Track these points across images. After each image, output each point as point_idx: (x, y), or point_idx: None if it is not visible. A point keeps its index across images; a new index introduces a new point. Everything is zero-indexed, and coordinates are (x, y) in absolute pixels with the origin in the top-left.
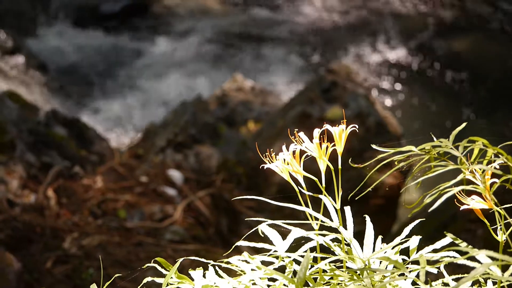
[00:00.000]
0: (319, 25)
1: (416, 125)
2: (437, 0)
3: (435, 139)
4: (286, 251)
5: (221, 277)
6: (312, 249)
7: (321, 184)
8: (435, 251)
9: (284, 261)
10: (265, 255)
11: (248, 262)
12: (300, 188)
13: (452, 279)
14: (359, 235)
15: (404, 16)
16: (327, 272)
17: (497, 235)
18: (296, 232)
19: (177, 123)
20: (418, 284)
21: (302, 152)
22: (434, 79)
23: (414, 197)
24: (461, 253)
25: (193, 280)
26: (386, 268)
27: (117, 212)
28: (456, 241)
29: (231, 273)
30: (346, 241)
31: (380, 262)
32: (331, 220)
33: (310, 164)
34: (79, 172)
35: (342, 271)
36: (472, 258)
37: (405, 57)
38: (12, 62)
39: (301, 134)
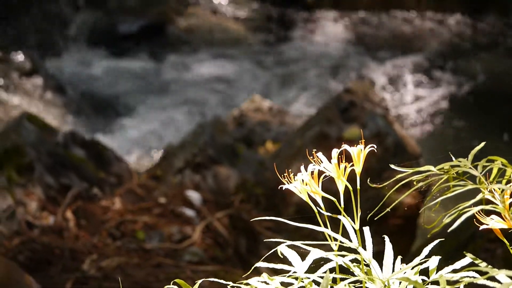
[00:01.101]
0: (334, 46)
1: (435, 145)
2: (452, 20)
3: (453, 158)
4: (305, 272)
5: None
6: (331, 270)
7: (340, 205)
8: (454, 271)
9: (303, 282)
10: (284, 276)
11: (267, 283)
12: (318, 208)
13: None
14: (378, 256)
15: (419, 37)
16: None
17: None
18: (315, 253)
19: (195, 144)
20: None
21: (320, 173)
22: (452, 99)
23: (433, 217)
24: (481, 273)
25: None
26: None
27: (135, 233)
28: (475, 261)
29: None
30: (366, 262)
31: (400, 282)
32: (350, 240)
33: (328, 185)
34: (97, 193)
35: None
36: (492, 278)
37: (423, 77)
38: (30, 83)
39: (319, 154)
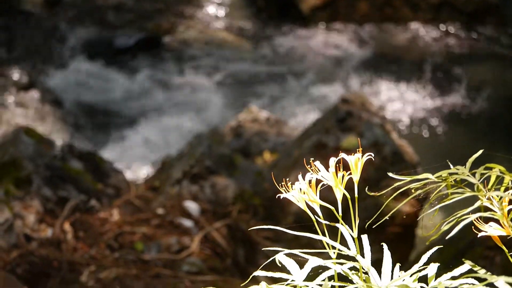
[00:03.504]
0: (331, 57)
1: (432, 154)
2: (449, 31)
3: (451, 166)
4: (304, 281)
5: None
6: (330, 278)
7: (338, 213)
8: (453, 278)
9: None
10: (283, 284)
11: None
12: (316, 217)
13: None
14: (377, 264)
15: (416, 48)
16: None
17: None
18: (314, 261)
19: (192, 155)
20: None
21: (318, 181)
22: (449, 108)
23: (432, 224)
24: (480, 280)
25: None
26: None
27: (134, 244)
28: (474, 268)
29: None
30: (364, 270)
31: None
32: (349, 248)
33: (326, 194)
34: (95, 205)
35: None
36: (491, 285)
37: (419, 86)
38: (27, 97)
39: (317, 163)
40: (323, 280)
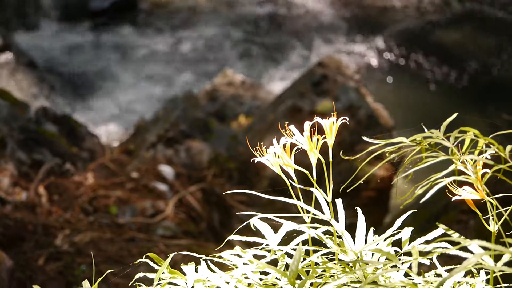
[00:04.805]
0: (306, 19)
1: (408, 117)
2: None
3: (426, 130)
4: (278, 245)
5: (213, 271)
6: (304, 242)
7: (312, 177)
8: (427, 242)
9: (276, 254)
10: (257, 249)
11: (240, 256)
12: (291, 181)
13: (445, 270)
14: (351, 228)
15: (393, 9)
16: (319, 265)
17: (489, 225)
18: (288, 226)
19: (167, 119)
20: (410, 276)
21: (292, 146)
22: (424, 72)
23: (406, 188)
24: (454, 243)
25: (185, 275)
26: (378, 260)
27: (108, 208)
28: (448, 232)
29: (223, 267)
30: (338, 234)
31: (373, 254)
32: (323, 213)
33: (301, 158)
34: (70, 169)
35: (335, 263)
36: (465, 249)
37: (394, 50)
38: (1, 59)
39: (292, 127)
40: (297, 244)
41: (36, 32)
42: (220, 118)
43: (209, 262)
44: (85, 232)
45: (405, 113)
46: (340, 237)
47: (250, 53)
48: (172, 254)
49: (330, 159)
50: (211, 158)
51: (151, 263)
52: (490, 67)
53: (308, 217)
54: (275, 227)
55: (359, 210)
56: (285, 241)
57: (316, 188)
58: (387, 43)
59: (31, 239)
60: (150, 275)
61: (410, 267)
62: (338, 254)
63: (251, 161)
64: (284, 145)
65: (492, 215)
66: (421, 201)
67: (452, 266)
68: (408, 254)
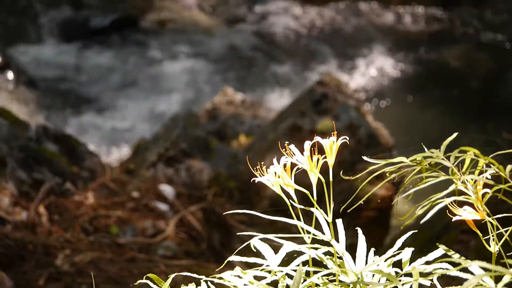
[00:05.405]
0: (307, 38)
1: (408, 137)
2: (423, 13)
3: (426, 150)
4: (279, 266)
5: None
6: (305, 263)
7: (313, 197)
8: (427, 263)
9: (276, 275)
10: (258, 269)
11: (241, 277)
12: (291, 201)
13: None
14: (352, 248)
15: (392, 29)
16: (320, 286)
17: (489, 246)
18: (288, 246)
19: (168, 138)
20: None
21: (293, 165)
22: (424, 90)
23: (406, 208)
24: (454, 264)
25: None
26: (379, 281)
27: (109, 228)
28: (448, 252)
29: None
30: (339, 254)
31: (373, 275)
32: (323, 233)
33: (301, 177)
34: (70, 188)
35: (335, 284)
36: (465, 270)
37: (395, 69)
38: (2, 78)
39: (292, 146)
40: (298, 265)
41: (36, 49)
42: (220, 137)
43: (209, 283)
44: (86, 252)
45: (405, 132)
46: (340, 257)
47: (250, 71)
48: (172, 275)
49: (331, 178)
50: (212, 178)
51: (151, 284)
52: (490, 85)
53: (309, 237)
54: (276, 248)
55: (359, 231)
56: (286, 261)
57: (316, 208)
58: (387, 61)
59: (31, 259)
60: None
61: None
62: (339, 275)
63: (251, 180)
64: (285, 165)
65: (493, 236)
66: (421, 222)
67: (453, 287)
68: (409, 275)
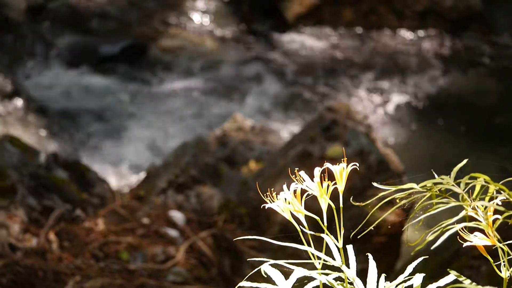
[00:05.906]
0: (315, 65)
1: (418, 163)
2: (432, 38)
3: (436, 176)
4: None
5: None
6: None
7: (323, 223)
8: None
9: None
10: None
11: None
12: (301, 227)
13: None
14: (362, 274)
15: (401, 55)
16: None
17: (500, 272)
18: (299, 272)
19: (177, 164)
20: None
21: (303, 191)
22: (434, 116)
23: (417, 234)
24: None
25: None
26: None
27: (119, 254)
28: (459, 278)
29: None
30: (349, 280)
31: None
32: (334, 259)
33: (311, 203)
34: (80, 215)
35: None
36: None
37: (404, 95)
38: (12, 106)
39: (302, 173)
40: None
41: (46, 77)
42: (230, 164)
43: None
44: (96, 278)
45: (415, 157)
46: (351, 283)
47: (260, 97)
48: None
49: (341, 204)
50: (222, 204)
51: None
52: (499, 111)
53: (319, 263)
54: (286, 273)
55: (370, 256)
56: (296, 287)
57: (327, 234)
58: (395, 87)
59: (41, 286)
60: None
61: None
62: None
63: (261, 207)
64: (295, 191)
65: (504, 261)
66: (432, 248)
67: None
68: None
